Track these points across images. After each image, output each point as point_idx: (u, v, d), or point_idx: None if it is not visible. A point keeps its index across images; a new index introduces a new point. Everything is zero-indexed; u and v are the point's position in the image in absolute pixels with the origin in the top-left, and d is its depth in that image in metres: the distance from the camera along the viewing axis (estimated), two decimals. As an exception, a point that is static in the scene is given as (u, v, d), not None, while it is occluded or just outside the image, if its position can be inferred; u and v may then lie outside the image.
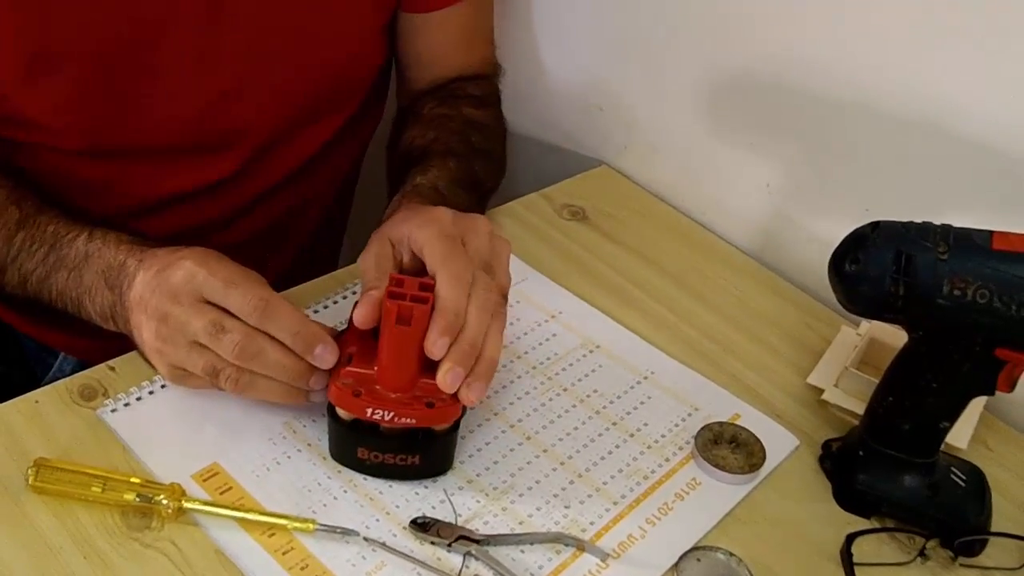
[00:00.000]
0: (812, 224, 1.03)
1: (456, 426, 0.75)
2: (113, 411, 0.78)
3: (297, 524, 0.71)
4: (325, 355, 0.73)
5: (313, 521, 0.71)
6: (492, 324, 0.75)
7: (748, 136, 1.07)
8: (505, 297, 0.80)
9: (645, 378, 0.89)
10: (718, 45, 1.06)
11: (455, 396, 0.73)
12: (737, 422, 0.85)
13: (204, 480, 0.74)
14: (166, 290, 0.73)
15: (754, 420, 0.86)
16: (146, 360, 0.78)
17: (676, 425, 0.85)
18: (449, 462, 0.78)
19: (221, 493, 0.73)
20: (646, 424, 0.85)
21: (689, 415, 0.86)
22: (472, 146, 1.02)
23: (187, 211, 0.99)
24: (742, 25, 1.03)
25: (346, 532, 0.71)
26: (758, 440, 0.83)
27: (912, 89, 0.92)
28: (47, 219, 0.83)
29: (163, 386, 0.80)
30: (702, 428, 0.84)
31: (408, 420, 0.72)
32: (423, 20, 1.05)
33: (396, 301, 0.71)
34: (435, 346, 0.71)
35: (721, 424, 0.84)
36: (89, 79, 0.86)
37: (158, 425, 0.77)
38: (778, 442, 0.84)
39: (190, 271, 0.73)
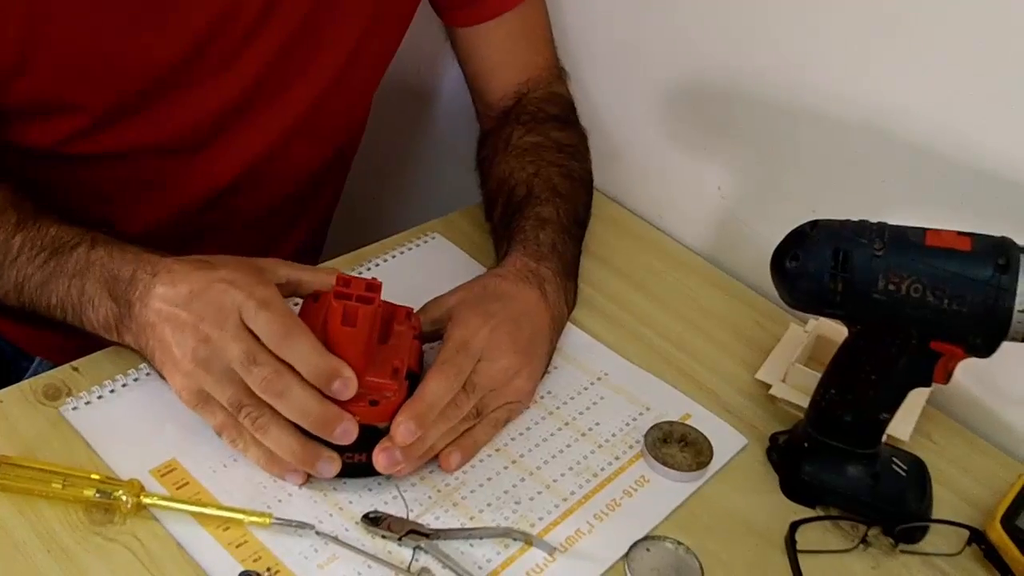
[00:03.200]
0: (761, 225, 1.05)
1: None
2: (75, 409, 0.78)
3: (254, 518, 0.72)
4: (344, 389, 0.72)
5: (269, 515, 0.72)
6: (490, 418, 0.81)
7: (701, 142, 1.09)
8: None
9: (599, 379, 0.91)
10: (673, 55, 1.08)
11: (398, 394, 0.74)
12: (688, 421, 0.87)
13: (162, 475, 0.75)
14: (209, 312, 0.73)
15: (704, 419, 0.88)
16: (162, 377, 0.77)
17: (627, 424, 0.86)
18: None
19: (178, 488, 0.74)
20: (598, 424, 0.86)
21: (640, 414, 0.88)
22: (573, 179, 1.01)
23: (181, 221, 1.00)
24: (696, 36, 1.05)
25: (301, 526, 0.72)
26: (706, 439, 0.84)
27: (854, 96, 0.94)
28: (47, 222, 0.81)
29: (124, 385, 0.81)
30: (652, 427, 0.85)
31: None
32: (475, 32, 1.05)
33: (342, 301, 0.72)
34: (399, 428, 0.74)
35: (671, 423, 0.86)
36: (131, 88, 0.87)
37: (119, 422, 0.78)
38: (726, 441, 0.86)
39: (232, 295, 0.73)
